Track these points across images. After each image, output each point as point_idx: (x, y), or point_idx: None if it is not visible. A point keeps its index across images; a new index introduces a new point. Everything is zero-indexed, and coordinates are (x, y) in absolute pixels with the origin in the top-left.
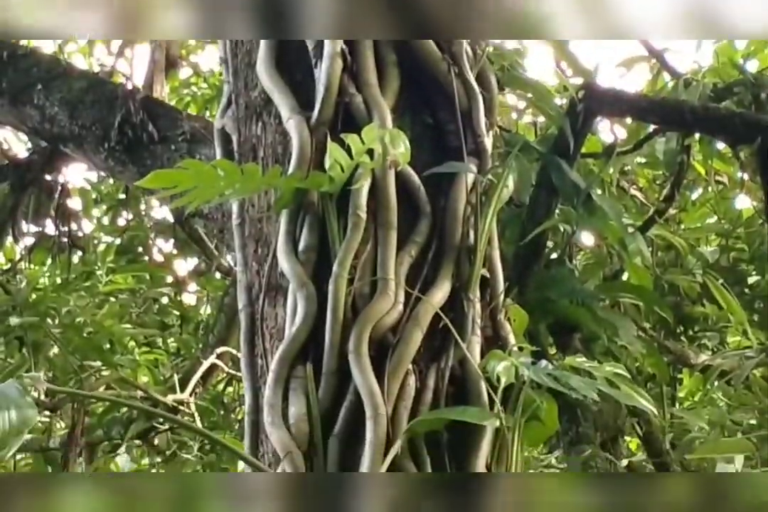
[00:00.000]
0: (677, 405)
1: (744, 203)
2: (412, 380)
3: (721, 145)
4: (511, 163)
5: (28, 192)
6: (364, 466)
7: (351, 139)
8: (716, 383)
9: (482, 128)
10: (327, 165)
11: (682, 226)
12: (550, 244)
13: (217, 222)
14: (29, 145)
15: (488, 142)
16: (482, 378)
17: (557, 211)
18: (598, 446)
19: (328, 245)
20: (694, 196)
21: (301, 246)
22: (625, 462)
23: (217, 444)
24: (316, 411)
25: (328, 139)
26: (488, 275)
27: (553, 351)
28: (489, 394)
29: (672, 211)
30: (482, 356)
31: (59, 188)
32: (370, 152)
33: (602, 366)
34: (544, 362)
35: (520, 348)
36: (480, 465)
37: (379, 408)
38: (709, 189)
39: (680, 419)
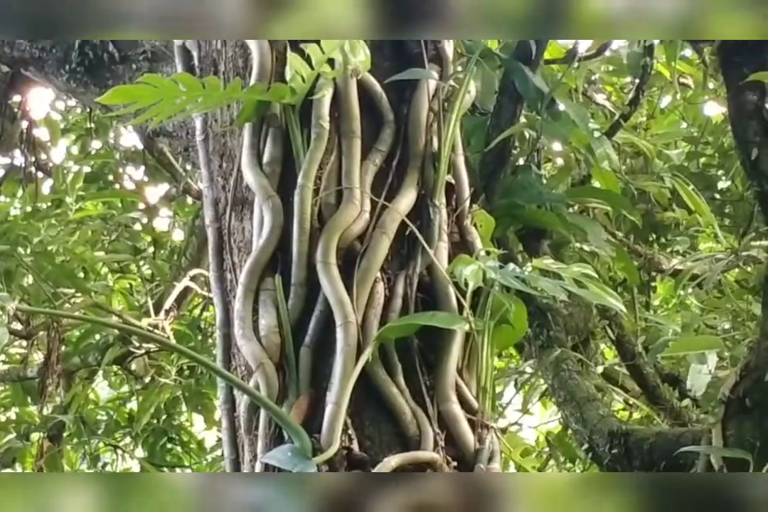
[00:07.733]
0: (651, 312)
1: (713, 110)
2: (380, 287)
3: (687, 52)
4: (473, 68)
5: None
6: (336, 374)
7: (311, 49)
8: (690, 289)
9: None
10: (288, 76)
11: (650, 133)
12: (516, 151)
13: (182, 140)
14: None
15: (449, 48)
16: (450, 283)
17: (522, 117)
18: (569, 349)
19: (293, 157)
20: (663, 104)
21: (266, 158)
22: (600, 368)
23: (194, 360)
24: (286, 322)
25: (288, 49)
26: (453, 181)
27: (522, 257)
28: (458, 299)
29: (641, 119)
30: (450, 262)
31: (24, 115)
32: (331, 62)
33: (570, 267)
34: (511, 265)
35: (488, 253)
36: (451, 370)
37: (349, 316)
38: (677, 95)
39: (654, 324)
